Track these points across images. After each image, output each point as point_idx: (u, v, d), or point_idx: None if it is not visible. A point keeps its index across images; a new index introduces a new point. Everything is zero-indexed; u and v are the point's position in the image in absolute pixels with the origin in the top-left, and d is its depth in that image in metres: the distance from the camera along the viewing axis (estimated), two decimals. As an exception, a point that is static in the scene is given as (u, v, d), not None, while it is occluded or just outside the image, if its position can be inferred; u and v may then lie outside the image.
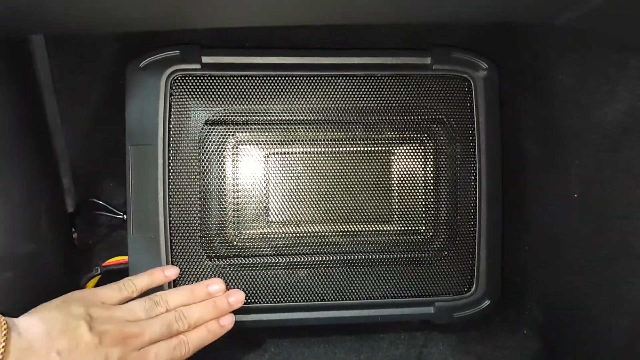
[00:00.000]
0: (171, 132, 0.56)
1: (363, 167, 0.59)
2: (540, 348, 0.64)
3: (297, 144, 0.58)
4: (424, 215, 0.60)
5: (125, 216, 0.59)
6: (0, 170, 0.49)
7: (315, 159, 0.58)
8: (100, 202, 0.62)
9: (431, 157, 0.59)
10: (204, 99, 0.56)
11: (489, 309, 0.61)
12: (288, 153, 0.58)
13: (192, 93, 0.56)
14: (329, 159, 0.58)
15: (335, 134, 0.58)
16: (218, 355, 0.59)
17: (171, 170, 0.56)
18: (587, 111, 0.53)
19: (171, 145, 0.56)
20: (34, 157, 0.55)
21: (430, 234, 0.60)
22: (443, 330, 0.64)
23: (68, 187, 0.60)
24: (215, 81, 0.56)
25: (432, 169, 0.59)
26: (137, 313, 0.48)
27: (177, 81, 0.56)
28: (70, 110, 0.60)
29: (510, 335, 0.66)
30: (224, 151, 0.57)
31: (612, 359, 0.53)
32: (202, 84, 0.56)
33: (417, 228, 0.60)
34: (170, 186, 0.56)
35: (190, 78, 0.56)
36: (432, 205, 0.60)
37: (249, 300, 0.57)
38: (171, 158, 0.56)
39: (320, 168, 0.58)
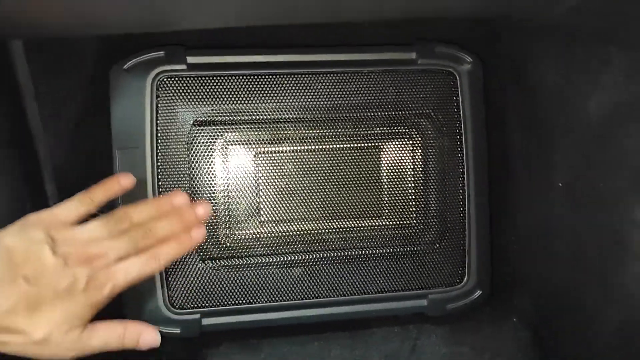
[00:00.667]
0: (159, 135, 0.55)
1: (352, 164, 0.59)
2: (530, 337, 0.65)
3: (286, 142, 0.58)
4: (414, 209, 0.60)
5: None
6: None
7: (304, 157, 0.58)
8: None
9: (419, 151, 0.60)
10: (191, 100, 0.56)
11: (480, 299, 0.62)
12: (277, 152, 0.58)
13: (178, 94, 0.55)
14: (318, 156, 0.58)
15: (324, 131, 0.58)
16: (214, 356, 0.59)
17: (160, 173, 0.55)
18: (572, 103, 0.54)
19: (159, 147, 0.55)
20: (16, 163, 0.54)
21: (421, 227, 0.60)
22: (435, 323, 0.65)
23: (52, 193, 0.58)
24: (201, 81, 0.56)
25: (420, 162, 0.60)
26: (100, 231, 0.45)
27: (163, 82, 0.55)
28: (53, 115, 0.58)
29: (500, 325, 0.67)
30: (212, 152, 0.57)
31: (602, 344, 0.54)
32: (188, 84, 0.55)
33: (407, 222, 0.60)
34: (160, 189, 0.55)
35: (176, 79, 0.55)
36: (422, 199, 0.60)
37: (243, 301, 0.57)
38: (159, 161, 0.55)
39: (309, 166, 0.58)
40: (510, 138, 0.62)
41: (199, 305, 0.56)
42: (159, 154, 0.55)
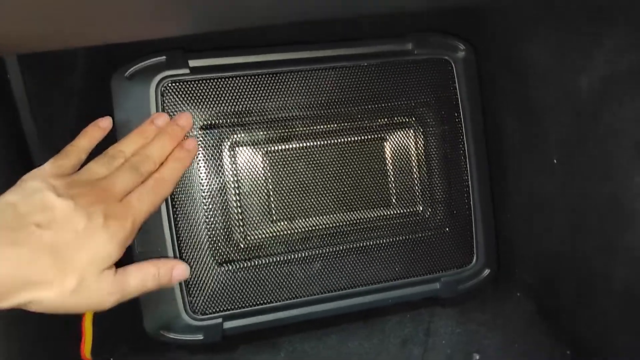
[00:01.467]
0: (167, 140, 0.54)
1: (358, 156, 0.60)
2: (535, 309, 0.68)
3: (292, 140, 0.58)
4: (420, 195, 0.62)
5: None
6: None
7: (311, 152, 0.59)
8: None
9: (421, 139, 0.62)
10: (196, 104, 0.55)
11: (489, 278, 0.65)
12: (284, 150, 0.58)
13: (183, 99, 0.55)
14: (325, 151, 0.59)
15: (329, 126, 0.59)
16: (232, 357, 0.58)
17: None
18: (563, 81, 0.57)
19: (168, 153, 0.54)
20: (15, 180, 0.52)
21: (429, 212, 0.62)
22: (444, 305, 0.67)
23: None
24: (206, 84, 0.55)
25: (423, 150, 0.62)
26: (98, 170, 0.46)
27: (167, 88, 0.54)
28: (47, 128, 0.57)
29: (506, 301, 0.69)
30: (221, 154, 0.56)
31: (607, 306, 0.57)
32: (193, 88, 0.55)
33: (416, 209, 0.62)
34: (172, 196, 0.54)
35: (180, 83, 0.55)
36: (428, 185, 0.62)
37: (263, 301, 0.57)
38: (169, 167, 0.54)
39: (317, 161, 0.59)
40: (504, 120, 0.65)
41: (220, 309, 0.56)
42: (168, 160, 0.54)
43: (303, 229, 0.59)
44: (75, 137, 0.57)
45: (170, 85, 0.54)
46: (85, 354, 0.57)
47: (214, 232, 0.56)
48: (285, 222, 0.58)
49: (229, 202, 0.57)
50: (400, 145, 0.61)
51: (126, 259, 0.58)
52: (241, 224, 0.57)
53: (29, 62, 0.54)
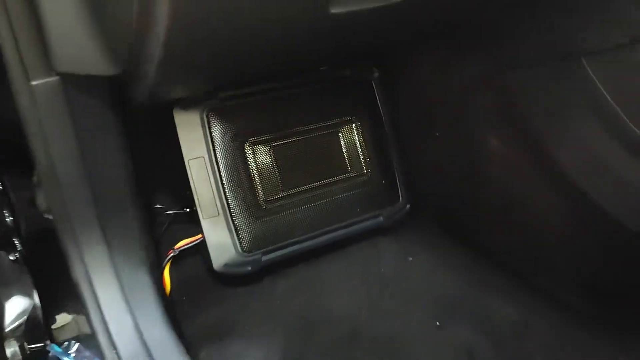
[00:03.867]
0: (213, 146, 0.86)
1: (325, 143, 0.96)
2: (438, 226, 1.09)
3: (287, 137, 0.92)
4: (364, 163, 0.99)
5: (188, 210, 0.87)
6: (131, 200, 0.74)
7: (298, 144, 0.93)
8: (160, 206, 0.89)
9: (360, 129, 0.99)
10: (227, 121, 0.87)
11: (410, 211, 1.04)
12: (283, 144, 0.92)
13: (218, 118, 0.87)
14: (306, 142, 0.94)
15: (307, 127, 0.94)
16: (262, 287, 0.91)
17: (219, 170, 0.86)
18: (441, 82, 0.97)
19: (215, 154, 0.86)
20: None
21: (370, 173, 1.00)
22: (386, 232, 1.05)
23: (146, 202, 0.85)
24: (231, 107, 0.87)
25: (362, 136, 0.99)
26: None
27: (208, 114, 0.86)
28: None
29: (421, 224, 1.09)
30: (244, 150, 0.89)
31: (485, 219, 0.99)
32: (223, 111, 0.87)
33: (362, 172, 0.99)
34: (221, 180, 0.86)
35: (216, 109, 0.86)
36: (367, 157, 1.00)
37: (285, 238, 0.90)
38: (217, 163, 0.86)
39: (301, 149, 0.94)
40: (406, 112, 1.05)
41: (259, 247, 0.88)
42: (215, 158, 0.86)
43: (298, 192, 0.93)
44: (152, 151, 0.86)
45: (210, 110, 0.86)
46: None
47: (249, 199, 0.88)
48: (288, 190, 0.92)
49: (254, 180, 0.89)
50: (348, 134, 0.98)
51: (177, 233, 0.88)
52: (262, 192, 0.90)
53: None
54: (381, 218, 1.00)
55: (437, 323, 0.90)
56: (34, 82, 0.59)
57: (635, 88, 0.74)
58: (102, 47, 0.55)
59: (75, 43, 0.55)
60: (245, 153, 0.89)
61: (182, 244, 0.87)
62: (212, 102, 0.86)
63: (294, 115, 0.93)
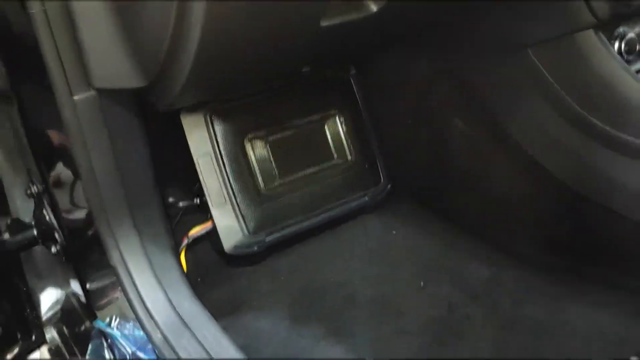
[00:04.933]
0: (217, 143, 0.98)
1: (313, 134, 1.09)
2: (414, 202, 1.23)
3: (279, 132, 1.05)
4: (348, 150, 1.13)
5: (198, 201, 0.99)
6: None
7: (289, 137, 1.07)
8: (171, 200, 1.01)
9: (342, 120, 1.13)
10: (226, 121, 1.00)
11: (391, 190, 1.18)
12: (277, 138, 1.05)
13: (220, 120, 0.99)
14: (297, 134, 1.07)
15: (297, 122, 1.07)
16: (265, 265, 1.04)
17: (224, 164, 0.98)
18: (403, 76, 1.11)
19: (219, 150, 0.98)
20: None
21: (354, 159, 1.14)
22: (370, 210, 1.19)
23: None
24: (230, 109, 1.00)
25: (344, 126, 1.13)
26: None
27: (211, 115, 0.98)
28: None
29: (400, 200, 1.23)
30: (244, 144, 1.02)
31: (450, 185, 1.14)
32: (223, 112, 0.99)
33: (347, 158, 1.13)
34: (226, 172, 0.98)
35: (217, 111, 0.99)
36: (350, 144, 1.13)
37: (284, 220, 1.03)
38: (221, 157, 0.98)
39: (293, 140, 1.07)
40: (380, 103, 1.19)
41: (264, 229, 1.01)
42: (219, 153, 0.98)
43: (293, 179, 1.06)
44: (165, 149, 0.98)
45: (211, 113, 0.98)
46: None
47: (250, 188, 1.01)
48: (284, 178, 1.05)
49: (253, 171, 1.02)
50: (333, 126, 1.12)
51: (189, 222, 1.00)
52: (262, 180, 1.03)
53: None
54: (366, 198, 1.14)
55: (421, 283, 1.04)
56: (75, 97, 0.70)
57: (573, 71, 0.90)
58: (134, 65, 0.67)
59: (111, 64, 0.67)
60: (245, 148, 1.02)
61: (195, 230, 1.00)
62: (213, 105, 0.99)
63: (285, 112, 1.06)
